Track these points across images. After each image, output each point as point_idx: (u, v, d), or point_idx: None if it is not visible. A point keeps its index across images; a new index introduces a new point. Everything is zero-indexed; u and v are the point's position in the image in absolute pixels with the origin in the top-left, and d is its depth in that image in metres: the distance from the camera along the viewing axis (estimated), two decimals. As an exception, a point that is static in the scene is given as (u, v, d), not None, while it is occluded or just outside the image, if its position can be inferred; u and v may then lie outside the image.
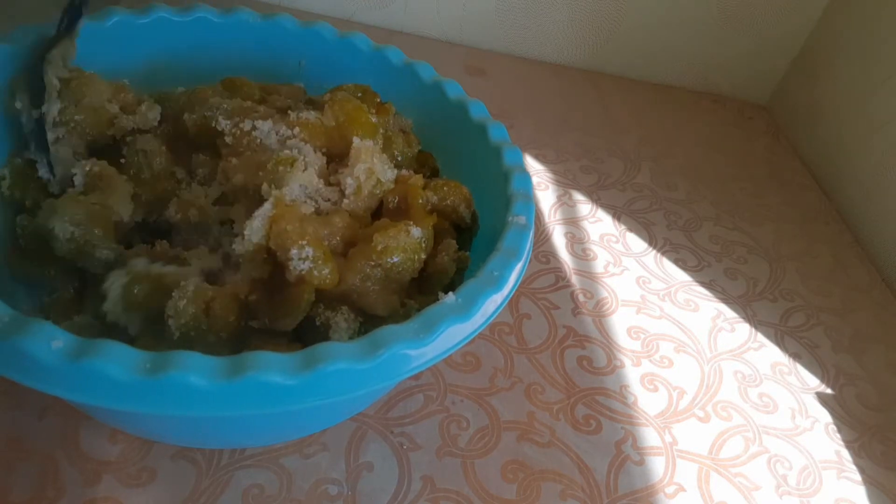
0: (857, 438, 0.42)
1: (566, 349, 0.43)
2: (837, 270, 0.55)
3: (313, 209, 0.32)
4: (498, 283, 0.28)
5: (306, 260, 0.28)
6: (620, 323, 0.46)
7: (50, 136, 0.33)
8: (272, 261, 0.30)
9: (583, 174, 0.59)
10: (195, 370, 0.22)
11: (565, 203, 0.55)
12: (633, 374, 0.42)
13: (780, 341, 0.47)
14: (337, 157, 0.34)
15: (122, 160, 0.34)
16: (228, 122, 0.33)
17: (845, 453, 0.41)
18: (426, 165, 0.40)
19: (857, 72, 0.65)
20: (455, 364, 0.40)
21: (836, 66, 0.68)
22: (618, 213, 0.56)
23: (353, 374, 0.24)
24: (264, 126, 0.33)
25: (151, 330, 0.29)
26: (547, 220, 0.53)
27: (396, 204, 0.34)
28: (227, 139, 0.33)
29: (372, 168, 0.33)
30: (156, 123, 0.35)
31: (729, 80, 0.76)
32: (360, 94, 0.38)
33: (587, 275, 0.49)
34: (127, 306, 0.28)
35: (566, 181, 0.58)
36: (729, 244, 0.55)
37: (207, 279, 0.30)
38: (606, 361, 0.43)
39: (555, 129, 0.64)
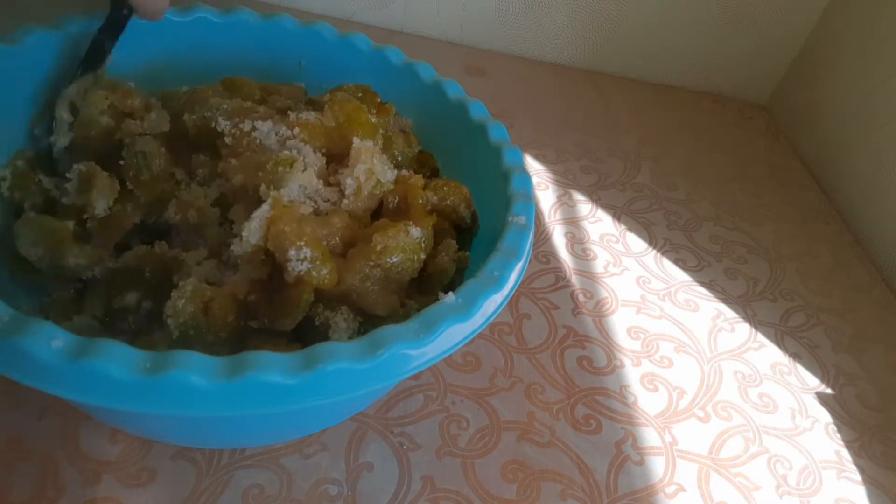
0: (857, 438, 0.42)
1: (566, 349, 0.43)
2: (837, 270, 0.55)
3: (312, 210, 0.32)
4: (498, 283, 0.28)
5: (304, 261, 0.28)
6: (620, 323, 0.46)
7: (59, 165, 0.34)
8: (271, 261, 0.30)
9: (583, 174, 0.59)
10: (195, 370, 0.22)
11: (565, 203, 0.55)
12: (633, 374, 0.42)
13: (780, 341, 0.47)
14: (337, 158, 0.34)
15: (122, 161, 0.34)
16: (228, 122, 0.33)
17: (845, 453, 0.41)
18: (426, 165, 0.40)
19: (857, 72, 0.65)
20: (455, 364, 0.40)
21: (836, 66, 0.68)
22: (618, 213, 0.56)
23: (352, 373, 0.24)
24: (264, 127, 0.33)
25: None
26: (547, 220, 0.53)
27: (396, 204, 0.34)
28: (227, 139, 0.33)
29: (372, 168, 0.33)
30: (166, 129, 0.35)
31: (729, 80, 0.76)
32: (360, 95, 0.38)
33: (587, 275, 0.49)
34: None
35: (566, 181, 0.58)
36: (729, 244, 0.55)
37: (207, 280, 0.30)
38: (606, 361, 0.43)
39: (555, 129, 0.64)
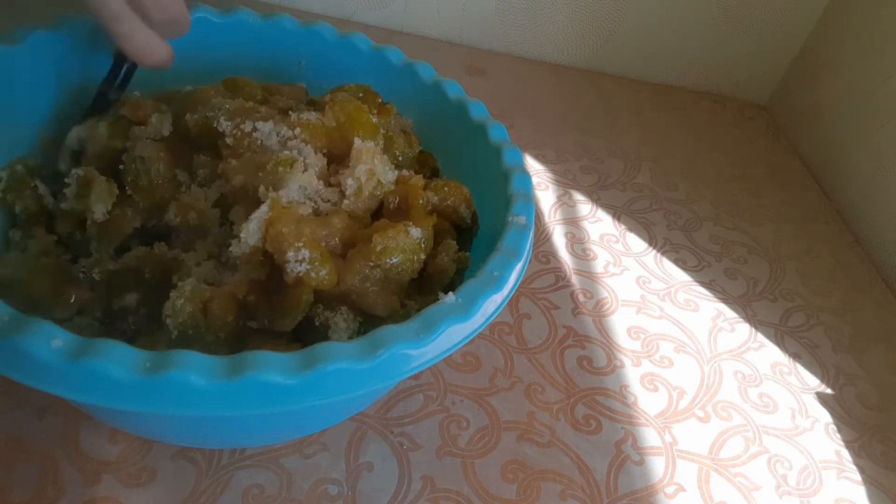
0: (857, 438, 0.42)
1: (566, 349, 0.43)
2: (837, 270, 0.55)
3: (312, 210, 0.32)
4: (498, 284, 0.28)
5: (303, 262, 0.28)
6: (620, 323, 0.46)
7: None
8: (270, 262, 0.29)
9: (583, 174, 0.59)
10: (195, 370, 0.22)
11: (565, 203, 0.55)
12: (633, 374, 0.42)
13: (780, 341, 0.47)
14: (338, 158, 0.34)
15: (121, 166, 0.33)
16: (230, 123, 0.33)
17: (845, 453, 0.41)
18: (426, 166, 0.40)
19: (857, 72, 0.65)
20: (455, 364, 0.40)
21: (836, 66, 0.68)
22: (618, 213, 0.56)
23: (352, 373, 0.24)
24: (265, 127, 0.33)
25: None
26: (547, 220, 0.53)
27: (397, 204, 0.34)
28: (228, 140, 0.33)
29: (373, 169, 0.33)
30: (167, 134, 0.35)
31: (729, 80, 0.76)
32: (361, 95, 0.38)
33: (587, 275, 0.49)
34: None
35: (566, 181, 0.58)
36: (729, 244, 0.55)
37: (206, 280, 0.30)
38: (606, 361, 0.43)
39: (555, 129, 0.64)
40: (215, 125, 0.34)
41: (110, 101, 0.36)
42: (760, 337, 0.47)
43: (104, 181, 0.32)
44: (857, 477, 0.40)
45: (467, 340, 0.27)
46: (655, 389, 0.42)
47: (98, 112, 0.36)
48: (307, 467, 0.33)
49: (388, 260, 0.30)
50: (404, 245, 0.30)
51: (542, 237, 0.51)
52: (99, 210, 0.32)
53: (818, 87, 0.70)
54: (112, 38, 0.33)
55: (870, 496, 0.39)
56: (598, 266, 0.50)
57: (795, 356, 0.47)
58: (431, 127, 0.41)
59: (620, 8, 0.70)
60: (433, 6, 0.70)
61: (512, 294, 0.30)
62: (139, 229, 0.33)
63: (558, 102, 0.68)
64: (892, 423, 0.43)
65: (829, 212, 0.63)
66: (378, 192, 0.33)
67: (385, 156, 0.35)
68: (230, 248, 0.30)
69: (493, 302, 0.28)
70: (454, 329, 0.26)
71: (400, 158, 0.37)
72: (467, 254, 0.34)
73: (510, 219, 0.32)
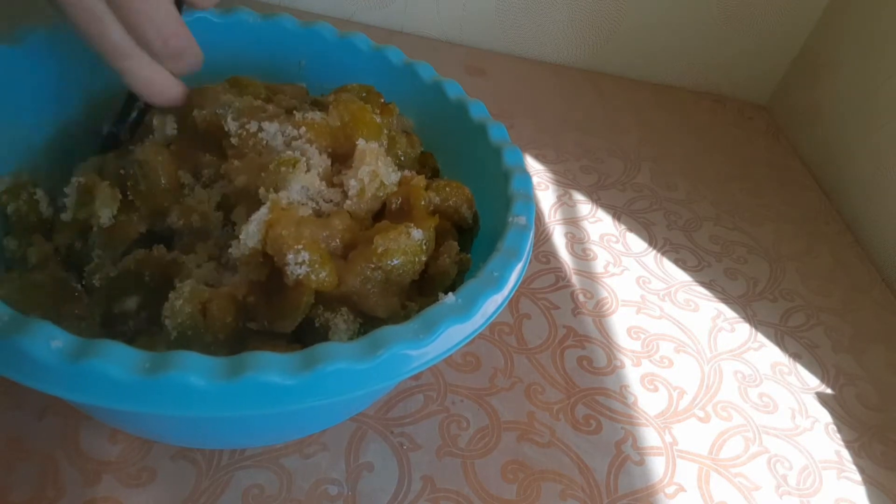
0: (857, 438, 0.42)
1: (566, 349, 0.43)
2: (837, 270, 0.55)
3: (314, 211, 0.32)
4: (498, 284, 0.28)
5: (303, 264, 0.28)
6: (620, 323, 0.46)
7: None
8: (270, 264, 0.29)
9: (583, 174, 0.59)
10: (194, 370, 0.22)
11: (565, 203, 0.55)
12: (633, 374, 0.42)
13: (780, 341, 0.47)
14: (341, 158, 0.34)
15: (122, 171, 0.33)
16: (236, 123, 0.33)
17: (845, 453, 0.41)
18: (427, 166, 0.40)
19: (857, 72, 0.65)
20: (455, 364, 0.40)
21: (836, 66, 0.68)
22: (618, 213, 0.56)
23: (352, 374, 0.24)
24: (271, 128, 0.33)
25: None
26: (547, 220, 0.53)
27: (399, 205, 0.34)
28: (233, 140, 0.33)
29: (376, 171, 0.32)
30: (170, 132, 0.34)
31: (729, 80, 0.76)
32: (364, 95, 0.38)
33: (587, 275, 0.49)
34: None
35: (566, 181, 0.58)
36: (729, 244, 0.55)
37: (206, 281, 0.30)
38: (606, 361, 0.43)
39: (555, 129, 0.64)
40: (223, 123, 0.33)
41: (121, 142, 0.34)
42: (760, 337, 0.47)
43: (107, 186, 0.32)
44: (857, 477, 0.40)
45: (467, 341, 0.27)
46: (655, 389, 0.42)
47: (108, 152, 0.34)
48: (307, 467, 0.33)
49: (389, 262, 0.30)
50: (405, 247, 0.30)
51: (542, 237, 0.51)
52: (105, 215, 0.32)
53: (818, 87, 0.70)
54: (116, 73, 0.30)
55: (870, 496, 0.39)
56: (598, 266, 0.50)
57: (795, 356, 0.47)
58: (431, 127, 0.41)
59: (620, 8, 0.70)
60: (433, 6, 0.70)
61: (512, 295, 0.30)
62: (144, 234, 0.33)
63: (558, 102, 0.68)
64: (892, 423, 0.43)
65: (829, 212, 0.63)
66: (381, 194, 0.33)
67: (388, 157, 0.35)
68: (230, 250, 0.30)
69: (494, 302, 0.28)
70: (454, 329, 0.26)
71: (402, 158, 0.37)
72: (469, 256, 0.34)
73: (510, 219, 0.32)
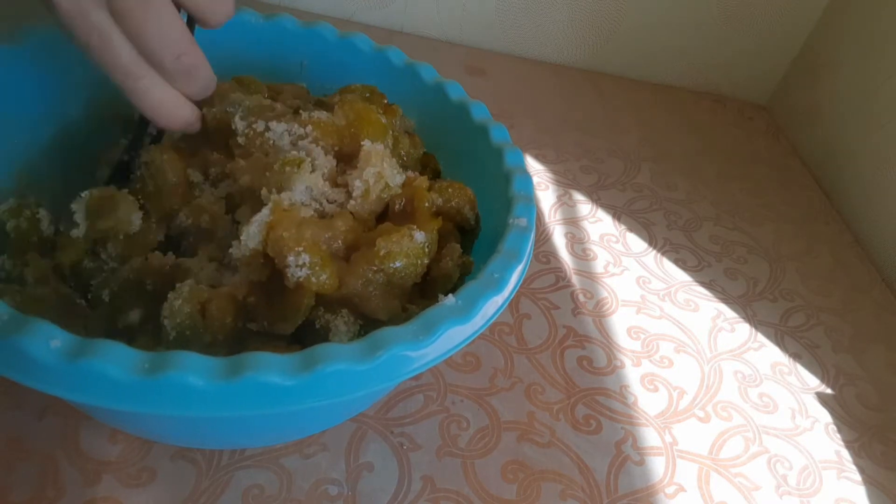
0: (857, 438, 0.42)
1: (566, 349, 0.43)
2: (837, 270, 0.55)
3: (317, 212, 0.32)
4: (498, 285, 0.28)
5: (303, 267, 0.28)
6: (620, 323, 0.46)
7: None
8: (270, 264, 0.29)
9: (583, 174, 0.59)
10: (194, 370, 0.22)
11: (565, 203, 0.55)
12: (633, 374, 0.42)
13: (780, 341, 0.47)
14: (346, 158, 0.34)
15: (130, 175, 0.32)
16: (244, 122, 0.33)
17: (845, 453, 0.41)
18: (428, 167, 0.40)
19: (857, 72, 0.65)
20: (455, 364, 0.40)
21: (836, 66, 0.68)
22: (618, 213, 0.56)
23: (352, 375, 0.24)
24: (278, 127, 0.33)
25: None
26: (547, 220, 0.53)
27: (402, 207, 0.34)
28: (240, 139, 0.33)
29: (381, 172, 0.32)
30: (178, 135, 0.34)
31: (729, 80, 0.76)
32: (367, 95, 0.38)
33: (587, 275, 0.49)
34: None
35: (566, 181, 0.58)
36: (729, 244, 0.55)
37: (206, 282, 0.30)
38: (606, 361, 0.43)
39: (555, 129, 0.64)
40: (231, 122, 0.33)
41: (133, 171, 0.33)
42: (760, 337, 0.47)
43: (126, 194, 0.31)
44: (857, 477, 0.40)
45: (467, 342, 0.27)
46: (655, 389, 0.42)
47: (118, 182, 0.33)
48: (307, 467, 0.33)
49: (391, 264, 0.30)
50: (408, 249, 0.30)
51: (543, 237, 0.51)
52: (136, 221, 0.31)
53: (818, 87, 0.70)
54: (126, 96, 0.28)
55: (870, 496, 0.39)
56: (598, 266, 0.50)
57: (795, 356, 0.47)
58: (433, 128, 0.41)
59: (620, 8, 0.70)
60: (433, 6, 0.70)
61: (512, 296, 0.30)
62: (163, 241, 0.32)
63: (558, 102, 0.68)
64: (892, 423, 0.43)
65: (829, 212, 0.63)
66: (385, 195, 0.33)
67: (394, 159, 0.35)
68: (230, 250, 0.30)
69: (494, 304, 0.28)
70: (454, 331, 0.26)
71: (405, 159, 0.37)
72: (471, 258, 0.34)
73: (511, 220, 0.32)
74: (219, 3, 0.29)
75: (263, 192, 0.30)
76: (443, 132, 0.40)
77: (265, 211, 0.29)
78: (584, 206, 0.55)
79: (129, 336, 0.29)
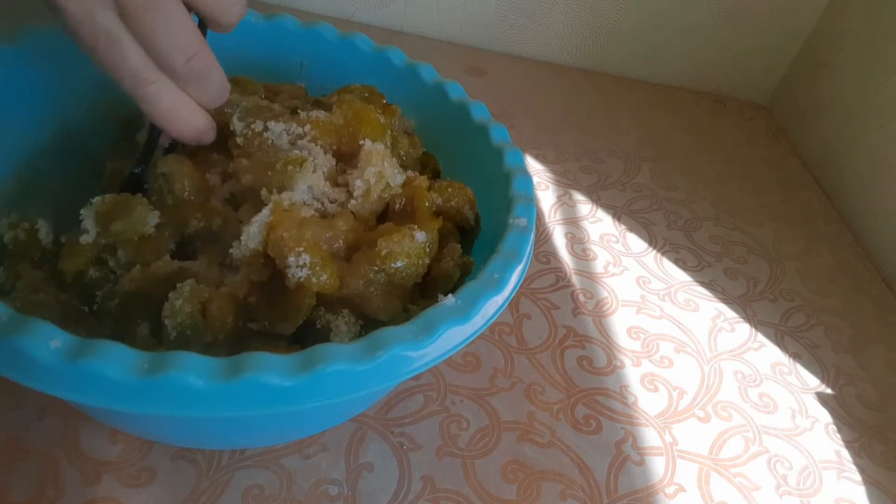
0: (857, 438, 0.42)
1: (566, 349, 0.43)
2: (837, 270, 0.55)
3: (318, 211, 0.32)
4: (498, 286, 0.28)
5: (304, 267, 0.28)
6: (620, 323, 0.46)
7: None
8: (271, 265, 0.29)
9: (583, 174, 0.59)
10: (193, 371, 0.22)
11: (565, 203, 0.55)
12: (633, 374, 0.42)
13: (780, 341, 0.47)
14: (346, 157, 0.34)
15: (146, 185, 0.32)
16: (242, 123, 0.33)
17: (845, 453, 0.41)
18: (428, 167, 0.40)
19: (857, 72, 0.65)
20: (455, 364, 0.40)
21: (836, 66, 0.68)
22: (618, 213, 0.56)
23: (351, 375, 0.24)
24: (276, 127, 0.33)
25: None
26: (547, 220, 0.53)
27: (402, 206, 0.34)
28: (239, 140, 0.33)
29: (382, 172, 0.32)
30: None
31: (729, 80, 0.76)
32: (366, 95, 0.39)
33: (587, 275, 0.49)
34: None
35: (566, 181, 0.58)
36: (729, 244, 0.55)
37: (207, 282, 0.30)
38: (606, 361, 0.43)
39: (555, 129, 0.64)
40: (229, 123, 0.33)
41: (143, 182, 0.32)
42: (760, 337, 0.47)
43: (141, 197, 0.30)
44: (857, 477, 0.40)
45: (467, 342, 0.27)
46: (655, 389, 0.42)
47: (126, 187, 0.32)
48: (307, 467, 0.33)
49: (392, 264, 0.30)
50: (409, 249, 0.30)
51: (543, 237, 0.51)
52: (151, 223, 0.30)
53: (818, 87, 0.70)
54: (135, 102, 0.27)
55: (870, 496, 0.39)
56: (598, 266, 0.50)
57: (795, 356, 0.47)
58: (433, 128, 0.41)
59: (620, 8, 0.70)
60: (433, 6, 0.70)
61: (512, 296, 0.30)
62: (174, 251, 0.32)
63: (558, 102, 0.68)
64: (892, 423, 0.43)
65: (829, 212, 0.63)
66: (386, 195, 0.33)
67: (394, 159, 0.35)
68: (231, 250, 0.30)
69: (494, 304, 0.28)
70: (454, 331, 0.26)
71: (404, 159, 0.37)
72: (471, 259, 0.34)
73: (511, 220, 0.32)
74: (231, 3, 0.28)
75: (263, 192, 0.30)
76: (443, 132, 0.40)
77: (265, 211, 0.29)
78: (584, 206, 0.55)
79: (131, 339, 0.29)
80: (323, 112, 0.34)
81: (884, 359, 0.48)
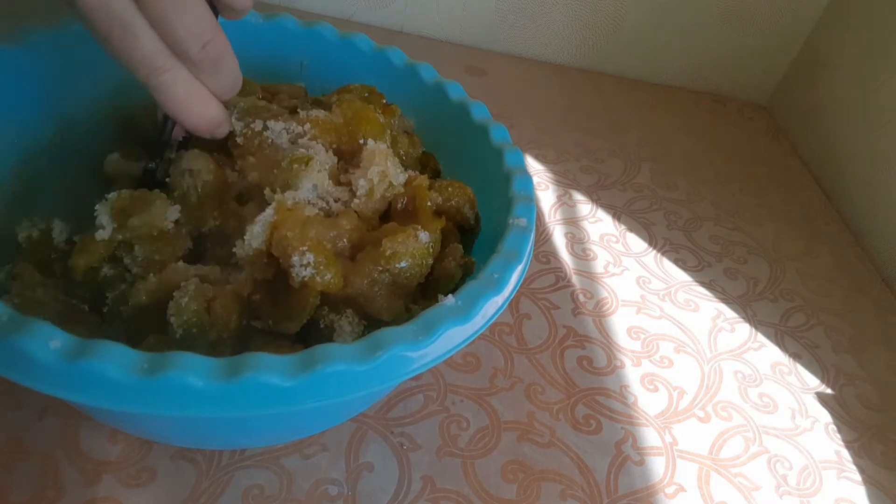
0: (857, 438, 0.42)
1: (566, 349, 0.43)
2: (837, 270, 0.55)
3: (322, 210, 0.32)
4: (498, 286, 0.28)
5: (308, 266, 0.28)
6: (620, 323, 0.46)
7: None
8: (275, 263, 0.29)
9: (583, 174, 0.59)
10: (193, 371, 0.22)
11: (565, 203, 0.55)
12: (633, 374, 0.42)
13: (780, 341, 0.47)
14: (346, 156, 0.34)
15: (168, 178, 0.31)
16: (241, 123, 0.33)
17: (845, 453, 0.41)
18: (428, 167, 0.40)
19: (857, 72, 0.65)
20: (455, 364, 0.40)
21: (836, 66, 0.68)
22: (618, 213, 0.56)
23: (351, 375, 0.24)
24: (276, 126, 0.33)
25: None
26: (547, 220, 0.53)
27: (404, 206, 0.34)
28: (238, 139, 0.33)
29: (385, 171, 0.32)
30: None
31: (729, 80, 0.76)
32: (366, 95, 0.39)
33: (587, 275, 0.49)
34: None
35: (566, 181, 0.58)
36: (729, 244, 0.55)
37: (211, 281, 0.30)
38: (606, 361, 0.43)
39: (555, 129, 0.64)
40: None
41: (159, 178, 0.32)
42: (760, 337, 0.47)
43: (160, 195, 0.30)
44: (857, 477, 0.40)
45: (467, 342, 0.27)
46: (655, 389, 0.42)
47: (144, 182, 0.32)
48: (307, 467, 0.33)
49: (397, 264, 0.30)
50: (414, 250, 0.30)
51: (543, 237, 0.51)
52: (171, 217, 0.30)
53: (818, 87, 0.70)
54: (151, 93, 0.27)
55: (870, 496, 0.39)
56: (598, 266, 0.50)
57: (795, 356, 0.47)
58: (433, 128, 0.41)
59: (620, 8, 0.70)
60: (433, 6, 0.70)
61: (512, 296, 0.30)
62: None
63: (558, 102, 0.68)
64: (892, 423, 0.43)
65: (829, 212, 0.63)
66: (389, 195, 0.33)
67: (396, 158, 0.35)
68: (234, 249, 0.30)
69: (494, 304, 0.28)
70: (454, 331, 0.26)
71: (404, 158, 0.37)
72: (473, 259, 0.34)
73: (511, 221, 0.32)
74: None
75: (267, 191, 0.30)
76: (443, 132, 0.40)
77: (269, 210, 0.29)
78: (584, 206, 0.55)
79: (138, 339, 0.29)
80: (322, 111, 0.34)
81: (884, 359, 0.48)
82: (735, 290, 0.51)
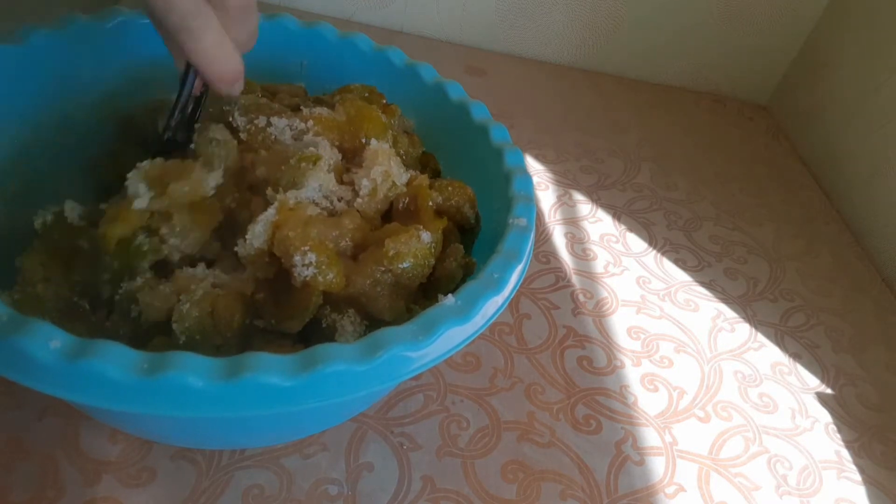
0: (857, 438, 0.42)
1: (566, 349, 0.43)
2: (837, 270, 0.55)
3: (325, 209, 0.32)
4: (498, 286, 0.28)
5: (310, 266, 0.28)
6: (620, 323, 0.46)
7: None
8: (277, 262, 0.29)
9: (583, 174, 0.59)
10: (193, 371, 0.22)
11: (565, 203, 0.55)
12: (633, 374, 0.42)
13: (780, 341, 0.47)
14: (349, 155, 0.34)
15: (192, 145, 0.31)
16: (244, 118, 0.33)
17: (845, 453, 0.41)
18: (428, 167, 0.40)
19: (857, 72, 0.65)
20: (455, 364, 0.40)
21: (836, 66, 0.68)
22: (618, 213, 0.56)
23: (351, 375, 0.24)
24: (279, 122, 0.33)
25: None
26: (547, 220, 0.53)
27: (406, 205, 0.34)
28: (242, 135, 0.33)
29: (388, 171, 0.33)
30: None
31: (729, 80, 0.76)
32: (366, 95, 0.39)
33: (587, 275, 0.49)
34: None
35: (566, 181, 0.58)
36: (729, 244, 0.55)
37: (214, 282, 0.30)
38: (606, 361, 0.43)
39: (555, 129, 0.64)
40: (231, 119, 0.33)
41: (179, 143, 0.31)
42: (760, 337, 0.47)
43: (194, 164, 0.29)
44: (857, 477, 0.40)
45: (467, 342, 0.27)
46: (655, 389, 0.42)
47: (165, 156, 0.31)
48: (307, 467, 0.33)
49: (399, 265, 0.30)
50: (416, 250, 0.30)
51: (543, 237, 0.51)
52: (211, 183, 0.29)
53: (818, 87, 0.70)
54: (176, 38, 0.27)
55: (870, 496, 0.39)
56: (598, 266, 0.50)
57: (795, 356, 0.47)
58: (433, 128, 0.41)
59: (620, 8, 0.70)
60: (433, 6, 0.70)
61: (512, 296, 0.30)
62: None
63: (558, 102, 0.68)
64: (892, 423, 0.43)
65: (829, 212, 0.63)
66: (391, 194, 0.33)
67: (398, 158, 0.35)
68: (236, 248, 0.30)
69: (494, 304, 0.28)
70: (454, 331, 0.26)
71: (404, 158, 0.37)
72: (474, 259, 0.34)
73: (511, 220, 0.32)
74: None
75: (269, 191, 0.30)
76: (443, 132, 0.40)
77: (271, 210, 0.29)
78: (584, 206, 0.55)
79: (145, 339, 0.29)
80: (325, 109, 0.34)
81: (884, 359, 0.48)
82: (735, 290, 0.51)
